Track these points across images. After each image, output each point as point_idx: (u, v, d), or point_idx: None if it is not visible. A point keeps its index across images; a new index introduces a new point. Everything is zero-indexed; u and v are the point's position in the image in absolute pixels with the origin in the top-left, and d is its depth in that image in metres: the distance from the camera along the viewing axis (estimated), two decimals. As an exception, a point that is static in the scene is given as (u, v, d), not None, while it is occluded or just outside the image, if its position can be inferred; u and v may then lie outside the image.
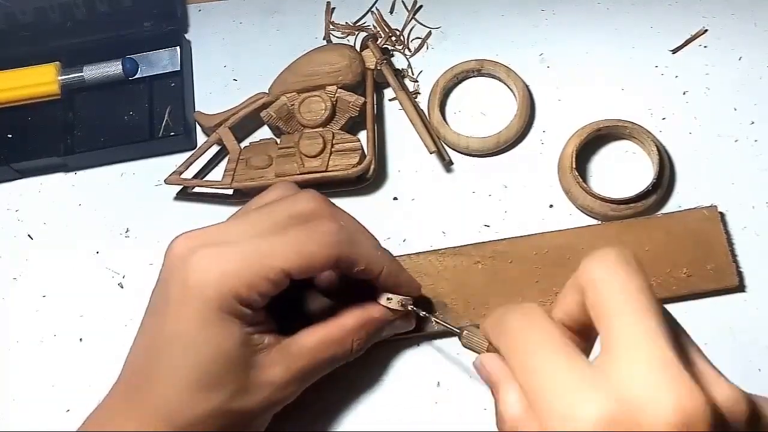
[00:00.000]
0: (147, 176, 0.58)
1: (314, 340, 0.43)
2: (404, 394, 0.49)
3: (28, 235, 0.57)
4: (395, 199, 0.55)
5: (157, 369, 0.40)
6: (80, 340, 0.53)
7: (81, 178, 0.59)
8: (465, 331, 0.43)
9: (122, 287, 0.55)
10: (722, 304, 0.50)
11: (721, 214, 0.50)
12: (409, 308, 0.46)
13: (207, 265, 0.39)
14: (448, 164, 0.56)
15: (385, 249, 0.46)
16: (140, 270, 0.55)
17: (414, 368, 0.50)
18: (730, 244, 0.50)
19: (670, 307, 0.48)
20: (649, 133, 0.53)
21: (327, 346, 0.44)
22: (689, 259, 0.49)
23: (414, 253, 0.51)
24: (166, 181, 0.56)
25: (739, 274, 0.49)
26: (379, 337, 0.47)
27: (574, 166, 0.52)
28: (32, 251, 0.57)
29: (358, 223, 0.46)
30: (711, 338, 0.49)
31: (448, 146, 0.56)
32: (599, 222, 0.52)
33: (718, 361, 0.48)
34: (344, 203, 0.55)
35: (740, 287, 0.50)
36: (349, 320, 0.44)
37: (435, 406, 0.49)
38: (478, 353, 0.42)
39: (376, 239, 0.46)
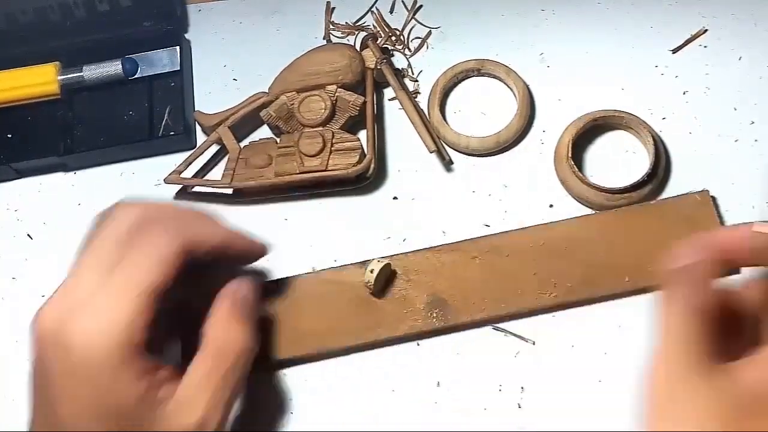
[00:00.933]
0: (147, 176, 0.58)
1: (204, 371, 0.41)
2: (404, 394, 0.49)
3: (28, 235, 0.57)
4: (395, 198, 0.55)
5: None
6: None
7: (81, 178, 0.59)
8: None
9: (122, 287, 0.55)
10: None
11: (713, 198, 0.51)
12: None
13: (84, 329, 0.37)
14: (448, 163, 0.56)
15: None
16: (140, 270, 0.55)
17: (414, 368, 0.50)
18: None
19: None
20: (645, 123, 0.53)
21: (218, 367, 0.41)
22: None
23: (411, 252, 0.51)
24: (166, 180, 0.56)
25: None
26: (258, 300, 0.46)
27: (570, 155, 0.52)
28: (32, 251, 0.57)
29: (184, 209, 0.45)
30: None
31: (448, 146, 0.56)
32: (593, 212, 0.52)
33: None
34: (344, 203, 0.55)
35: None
36: (218, 330, 0.42)
37: (435, 406, 0.49)
38: None
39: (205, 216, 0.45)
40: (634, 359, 0.48)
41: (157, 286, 0.39)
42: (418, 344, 0.50)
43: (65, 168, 0.59)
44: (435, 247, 0.51)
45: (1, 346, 0.54)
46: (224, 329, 0.43)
